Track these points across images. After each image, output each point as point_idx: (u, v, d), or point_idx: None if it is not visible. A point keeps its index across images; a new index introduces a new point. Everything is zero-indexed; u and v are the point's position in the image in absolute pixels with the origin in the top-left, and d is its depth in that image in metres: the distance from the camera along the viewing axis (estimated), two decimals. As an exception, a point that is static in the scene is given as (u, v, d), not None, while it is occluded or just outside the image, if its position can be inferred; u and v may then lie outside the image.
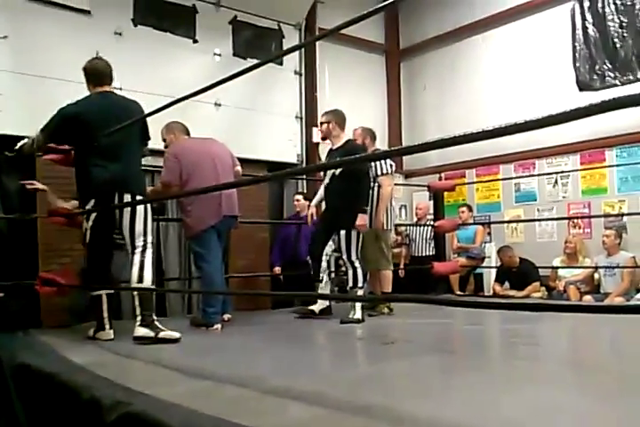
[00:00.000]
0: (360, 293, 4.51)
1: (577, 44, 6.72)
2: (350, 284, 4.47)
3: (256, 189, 6.09)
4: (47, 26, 5.39)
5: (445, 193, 6.75)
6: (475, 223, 7.33)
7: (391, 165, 4.89)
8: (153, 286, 3.54)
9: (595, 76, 6.56)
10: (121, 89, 4.95)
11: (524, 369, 2.55)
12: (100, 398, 1.97)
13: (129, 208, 3.53)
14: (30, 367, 2.64)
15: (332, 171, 4.48)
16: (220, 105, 6.47)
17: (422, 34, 8.40)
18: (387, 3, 2.10)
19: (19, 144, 3.77)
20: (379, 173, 4.79)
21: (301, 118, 7.33)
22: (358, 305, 4.33)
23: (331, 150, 4.67)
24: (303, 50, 7.26)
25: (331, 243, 4.64)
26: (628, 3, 6.35)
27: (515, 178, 7.32)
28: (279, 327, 4.29)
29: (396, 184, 5.55)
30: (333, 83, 7.67)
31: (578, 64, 6.69)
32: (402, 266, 7.07)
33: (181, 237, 6.07)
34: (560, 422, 1.70)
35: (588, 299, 5.84)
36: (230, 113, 6.54)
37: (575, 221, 6.82)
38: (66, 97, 3.65)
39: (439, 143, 1.57)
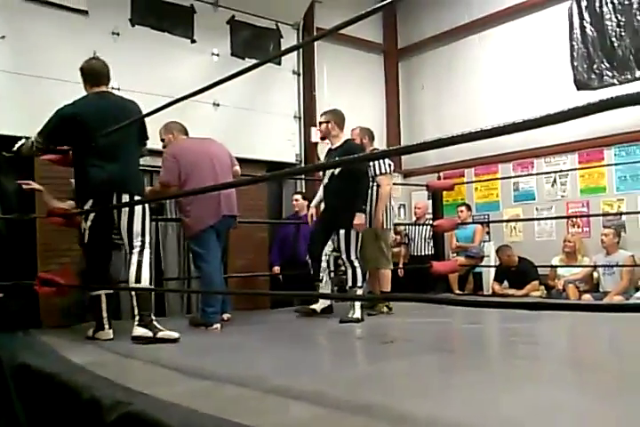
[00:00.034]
0: (359, 292, 4.51)
1: (574, 44, 6.72)
2: (349, 283, 4.47)
3: (255, 188, 6.09)
4: (44, 26, 5.39)
5: (444, 192, 6.75)
6: (474, 222, 7.34)
7: (390, 165, 4.89)
8: (151, 286, 3.53)
9: (592, 76, 6.57)
10: (119, 89, 4.95)
11: (524, 368, 2.56)
12: (100, 398, 1.98)
13: (127, 208, 3.53)
14: (30, 367, 2.64)
15: (331, 170, 4.48)
16: (218, 105, 6.47)
17: (420, 33, 8.40)
18: (385, 2, 2.10)
19: (16, 145, 3.76)
20: (377, 172, 4.79)
21: (300, 118, 7.34)
22: (357, 304, 4.33)
23: (330, 150, 4.68)
24: (301, 50, 7.26)
25: (330, 243, 4.65)
26: (626, 2, 6.35)
27: (513, 177, 7.33)
28: (278, 327, 4.30)
29: (394, 184, 5.56)
30: (332, 82, 7.67)
31: (576, 63, 6.69)
32: (401, 265, 7.08)
33: (180, 237, 6.07)
34: (560, 420, 1.70)
35: (587, 298, 5.85)
36: (229, 113, 6.54)
37: (574, 220, 6.82)
38: (63, 97, 3.65)
39: (437, 143, 1.58)
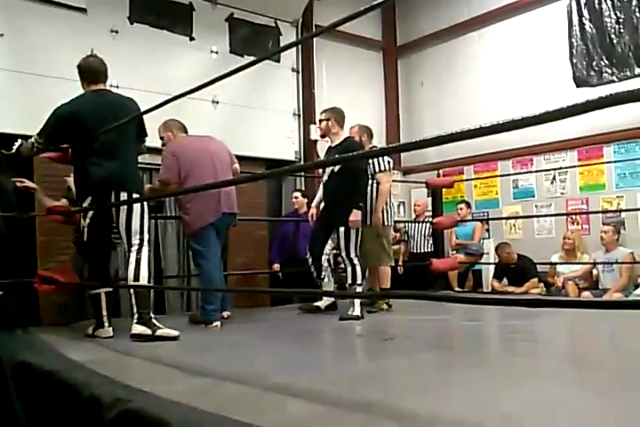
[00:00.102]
0: (359, 289, 4.52)
1: (574, 41, 6.71)
2: (349, 281, 4.48)
3: (254, 186, 6.10)
4: (43, 24, 5.38)
5: (444, 190, 6.76)
6: (473, 220, 7.34)
7: (389, 162, 4.90)
8: (150, 284, 3.53)
9: (592, 73, 6.56)
10: (117, 87, 4.95)
11: (523, 365, 2.56)
12: (100, 396, 1.98)
13: (125, 206, 3.53)
14: (30, 365, 2.64)
15: (331, 168, 4.49)
16: (217, 102, 6.46)
17: (419, 31, 8.38)
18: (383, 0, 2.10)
19: (15, 145, 3.75)
20: (377, 169, 4.79)
21: (299, 116, 7.33)
22: (357, 302, 4.34)
23: (329, 148, 4.68)
24: (300, 47, 7.25)
25: (330, 241, 4.65)
26: (625, -1, 6.36)
27: (513, 174, 7.33)
28: (278, 324, 4.30)
29: (394, 181, 5.56)
30: (331, 80, 7.66)
31: (575, 60, 6.69)
32: (400, 263, 7.08)
33: (180, 234, 6.07)
34: (559, 417, 1.70)
35: (587, 295, 5.85)
36: (228, 110, 6.53)
37: (573, 217, 6.83)
38: (62, 95, 3.64)
39: (437, 140, 1.57)
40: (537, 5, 7.10)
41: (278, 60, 7.01)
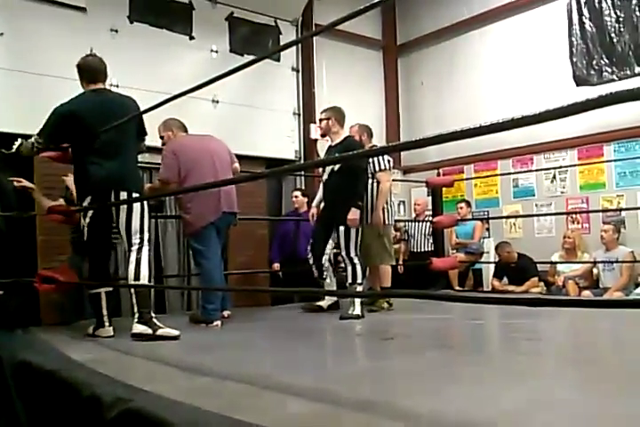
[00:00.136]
0: (359, 289, 4.52)
1: (574, 39, 6.71)
2: (349, 280, 4.48)
3: (254, 185, 6.10)
4: (42, 23, 5.38)
5: (444, 189, 6.76)
6: (473, 219, 7.33)
7: (389, 161, 4.90)
8: (150, 284, 3.53)
9: (592, 72, 6.56)
10: (117, 86, 4.95)
11: (525, 364, 2.55)
12: (101, 395, 1.97)
13: (125, 206, 3.53)
14: (31, 365, 2.64)
15: (331, 167, 4.49)
16: (217, 102, 6.46)
17: (419, 29, 8.38)
18: (384, -2, 2.10)
19: (15, 144, 3.75)
20: (377, 168, 4.79)
21: (299, 115, 7.33)
22: (357, 301, 4.34)
23: (330, 147, 4.69)
24: (300, 46, 7.25)
25: (331, 241, 4.65)
26: (625, -3, 6.35)
27: (513, 173, 7.32)
28: (279, 324, 4.30)
29: (394, 180, 5.56)
30: (331, 79, 7.66)
31: (575, 59, 6.69)
32: (401, 262, 7.08)
33: (180, 234, 6.07)
34: (561, 416, 1.70)
35: (587, 294, 5.85)
36: (228, 110, 6.53)
37: (574, 216, 6.83)
38: (62, 94, 3.64)
39: (437, 139, 1.57)
40: (537, 4, 7.09)
41: (278, 60, 7.02)
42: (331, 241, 4.64)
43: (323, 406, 1.85)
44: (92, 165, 3.47)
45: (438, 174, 7.80)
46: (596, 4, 6.55)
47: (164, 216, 5.69)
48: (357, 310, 4.29)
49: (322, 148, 6.26)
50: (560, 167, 6.87)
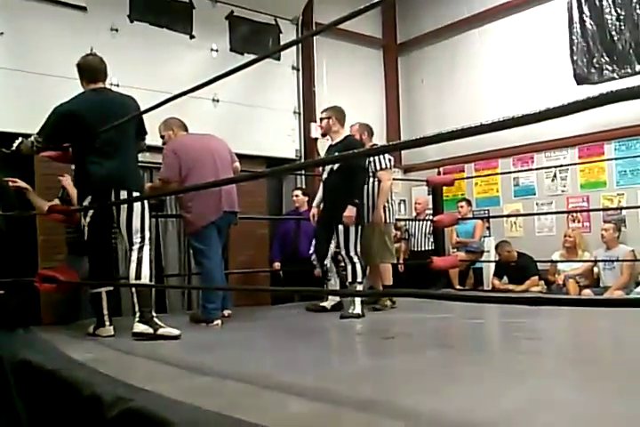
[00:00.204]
0: (359, 288, 4.51)
1: (574, 38, 6.70)
2: (349, 279, 4.47)
3: (255, 184, 6.10)
4: (42, 22, 5.38)
5: (444, 188, 6.75)
6: (474, 218, 7.33)
7: (390, 160, 4.90)
8: (151, 283, 3.53)
9: (592, 70, 6.55)
10: (118, 85, 4.95)
11: (526, 363, 2.55)
12: (101, 395, 1.97)
13: (125, 205, 3.52)
14: (31, 364, 2.64)
15: (331, 166, 4.50)
16: (217, 101, 6.46)
17: (420, 28, 8.38)
18: (384, -3, 2.09)
19: (15, 143, 3.75)
20: (378, 167, 4.80)
21: (299, 114, 7.33)
22: (358, 300, 4.33)
23: (330, 146, 4.69)
24: (300, 45, 7.25)
25: (332, 241, 4.65)
26: (626, -5, 6.35)
27: (513, 172, 7.32)
28: (279, 323, 4.30)
29: (394, 179, 5.56)
30: (331, 78, 7.66)
31: (575, 57, 6.68)
32: (401, 261, 7.08)
33: (181, 233, 6.08)
34: (562, 415, 1.70)
35: (588, 293, 5.84)
36: (228, 109, 6.53)
37: (574, 215, 6.82)
38: (62, 94, 3.64)
39: (437, 138, 1.57)
40: (537, 2, 7.09)
41: (278, 59, 7.01)
42: (333, 241, 4.64)
43: (323, 405, 1.85)
44: (92, 165, 3.47)
45: (439, 173, 7.80)
46: (597, 2, 6.54)
47: (164, 215, 5.69)
48: (358, 309, 4.29)
49: (322, 147, 6.26)
50: (561, 166, 6.86)
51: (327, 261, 4.73)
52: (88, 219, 3.52)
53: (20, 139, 3.70)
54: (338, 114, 4.62)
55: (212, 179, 3.87)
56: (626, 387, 1.99)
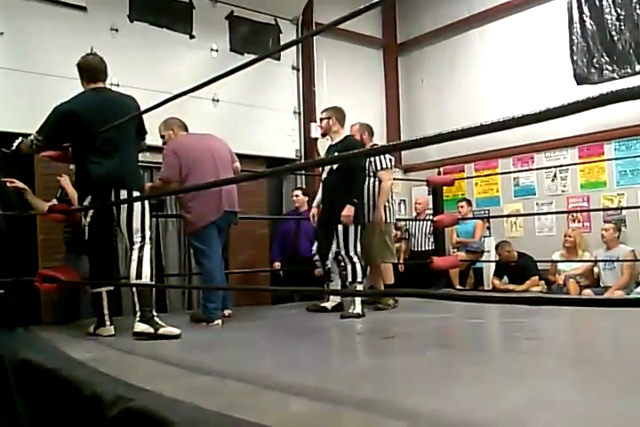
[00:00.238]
0: (359, 287, 4.51)
1: (574, 38, 6.70)
2: (349, 278, 4.47)
3: (255, 184, 6.10)
4: (43, 22, 5.39)
5: (444, 188, 6.75)
6: (474, 218, 7.33)
7: (391, 160, 4.91)
8: (152, 282, 3.53)
9: (592, 70, 6.55)
10: (118, 85, 4.96)
11: (526, 363, 2.55)
12: (102, 394, 1.98)
13: (126, 204, 3.52)
14: (31, 364, 2.65)
15: (330, 166, 4.51)
16: (217, 101, 6.46)
17: (420, 28, 8.38)
18: (384, -3, 2.10)
19: (15, 143, 3.75)
20: (379, 167, 4.81)
21: (299, 114, 7.33)
22: (358, 300, 4.33)
23: (330, 146, 4.70)
24: (300, 45, 7.25)
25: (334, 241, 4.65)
26: (626, -5, 6.35)
27: (513, 172, 7.32)
28: (280, 323, 4.30)
29: (394, 179, 5.56)
30: (331, 78, 7.66)
31: (575, 57, 6.68)
32: (401, 261, 7.08)
33: (181, 233, 6.08)
34: (562, 415, 1.70)
35: (588, 293, 5.85)
36: (228, 109, 6.53)
37: (574, 215, 6.82)
38: (62, 94, 3.64)
39: (437, 138, 1.57)
40: (537, 2, 7.09)
41: (278, 59, 7.01)
42: (334, 241, 4.64)
43: (323, 405, 1.85)
44: (92, 165, 3.47)
45: (439, 173, 7.81)
46: (597, 2, 6.54)
47: (164, 215, 5.69)
48: (358, 309, 4.29)
49: (322, 147, 6.26)
50: (561, 166, 6.86)
51: (329, 262, 4.72)
52: (88, 219, 3.52)
53: (20, 138, 3.70)
54: (338, 114, 4.62)
55: (212, 179, 3.87)
56: (626, 387, 1.99)
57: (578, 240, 6.32)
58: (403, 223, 7.43)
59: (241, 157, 4.61)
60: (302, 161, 7.17)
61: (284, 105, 7.18)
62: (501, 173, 7.42)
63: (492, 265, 6.88)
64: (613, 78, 6.38)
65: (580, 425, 1.62)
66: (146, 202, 3.60)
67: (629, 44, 6.31)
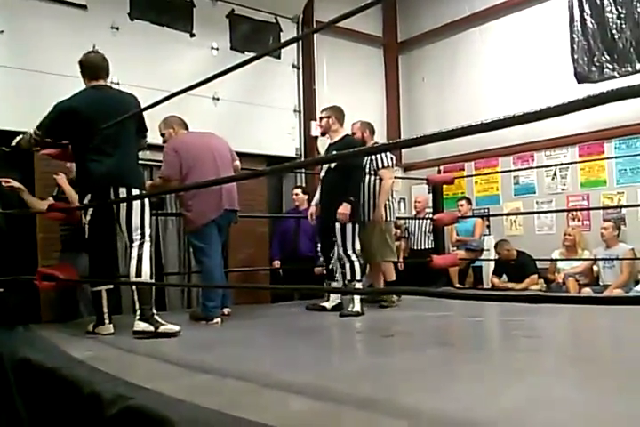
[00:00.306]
0: (358, 286, 4.51)
1: (575, 36, 6.70)
2: (348, 277, 4.47)
3: (255, 183, 6.10)
4: (43, 21, 5.38)
5: (444, 186, 6.75)
6: (474, 216, 7.33)
7: (392, 158, 4.91)
8: (151, 280, 3.53)
9: (593, 68, 6.55)
10: (118, 84, 4.95)
11: (526, 361, 2.55)
12: (101, 393, 1.98)
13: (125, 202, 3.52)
14: (31, 362, 2.65)
15: (328, 165, 4.53)
16: (218, 99, 6.46)
17: (420, 27, 8.37)
18: (384, -5, 2.09)
19: (15, 140, 3.76)
20: (380, 166, 4.81)
21: (300, 112, 7.33)
22: (357, 298, 4.34)
23: (329, 145, 4.70)
24: (301, 43, 7.25)
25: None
26: (627, -6, 6.34)
27: (513, 170, 7.32)
28: (279, 321, 4.30)
29: (395, 177, 5.56)
30: (331, 76, 7.66)
31: (576, 56, 6.67)
32: (401, 259, 7.08)
33: (180, 231, 6.08)
34: (562, 413, 1.70)
35: (587, 291, 5.85)
36: (228, 107, 6.53)
37: (574, 213, 6.82)
38: (62, 92, 3.64)
39: (437, 136, 1.57)
40: (538, 1, 7.08)
41: (279, 57, 7.01)
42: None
43: (323, 403, 1.85)
44: (91, 163, 3.47)
45: (439, 172, 7.80)
46: (598, 1, 6.53)
47: (164, 214, 5.68)
48: (357, 308, 4.29)
49: (322, 145, 6.26)
50: (561, 164, 6.86)
51: (333, 262, 4.72)
52: (88, 217, 3.52)
53: (21, 135, 3.71)
54: (337, 113, 4.63)
55: (212, 177, 3.86)
56: (625, 385, 1.99)
57: (577, 239, 6.33)
58: (402, 222, 7.43)
59: (241, 155, 4.60)
60: (302, 159, 7.16)
61: (285, 103, 7.18)
62: (501, 172, 7.41)
63: (492, 263, 6.89)
64: (614, 77, 6.37)
65: (579, 423, 1.62)
66: (146, 199, 3.60)
67: (630, 43, 6.30)
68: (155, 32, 6.09)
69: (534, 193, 7.21)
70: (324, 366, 2.66)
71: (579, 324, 3.90)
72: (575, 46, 6.69)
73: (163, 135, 4.33)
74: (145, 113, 3.48)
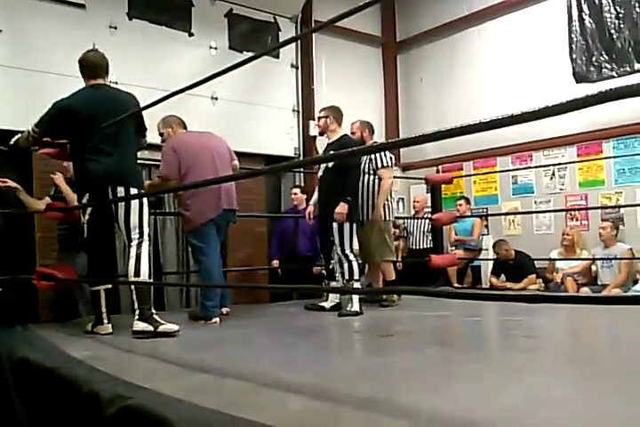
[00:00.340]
0: (356, 285, 4.51)
1: (573, 36, 6.70)
2: (346, 276, 4.48)
3: (253, 182, 6.10)
4: (41, 20, 5.37)
5: (443, 186, 6.75)
6: (472, 216, 7.34)
7: (391, 158, 4.92)
8: (150, 280, 3.53)
9: (591, 68, 6.55)
10: (117, 83, 4.93)
11: (524, 361, 2.56)
12: (99, 392, 1.97)
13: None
14: (29, 362, 2.65)
15: (325, 164, 4.54)
16: (216, 99, 6.45)
17: (419, 26, 8.36)
18: (383, -5, 2.09)
19: (13, 138, 3.75)
20: (379, 165, 4.81)
21: (298, 111, 7.32)
22: (356, 298, 4.34)
23: (328, 144, 4.70)
24: (299, 43, 7.24)
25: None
26: (625, -6, 6.34)
27: (512, 170, 7.32)
28: (278, 321, 4.30)
29: (394, 177, 5.56)
30: (330, 76, 7.65)
31: (574, 56, 6.68)
32: (399, 259, 7.08)
33: (179, 230, 6.07)
34: (560, 413, 1.70)
35: (586, 291, 5.85)
36: (227, 106, 6.53)
37: (572, 213, 6.83)
38: (61, 91, 3.63)
39: (436, 135, 1.57)
40: (536, 1, 7.08)
41: (277, 56, 7.01)
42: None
43: (322, 403, 1.85)
44: (90, 162, 3.46)
45: (437, 171, 7.80)
46: (596, 1, 6.54)
47: (162, 213, 5.68)
48: (356, 307, 4.29)
49: (321, 145, 6.26)
50: (559, 164, 6.86)
51: (334, 262, 4.72)
52: (87, 216, 3.52)
53: (19, 134, 3.70)
54: (335, 113, 4.64)
55: (210, 176, 3.86)
56: (624, 385, 2.00)
57: (576, 238, 6.33)
58: (401, 221, 7.44)
59: (240, 154, 4.60)
60: (301, 159, 7.16)
61: (283, 103, 7.17)
62: (500, 172, 7.42)
63: (490, 263, 6.89)
64: (612, 76, 6.38)
65: (578, 423, 1.62)
66: (144, 199, 3.59)
67: (628, 43, 6.31)
68: (153, 31, 6.08)
69: (533, 193, 7.22)
70: (323, 365, 2.65)
71: (577, 323, 3.91)
72: (573, 46, 6.70)
73: (161, 135, 4.33)
74: (144, 112, 3.48)
